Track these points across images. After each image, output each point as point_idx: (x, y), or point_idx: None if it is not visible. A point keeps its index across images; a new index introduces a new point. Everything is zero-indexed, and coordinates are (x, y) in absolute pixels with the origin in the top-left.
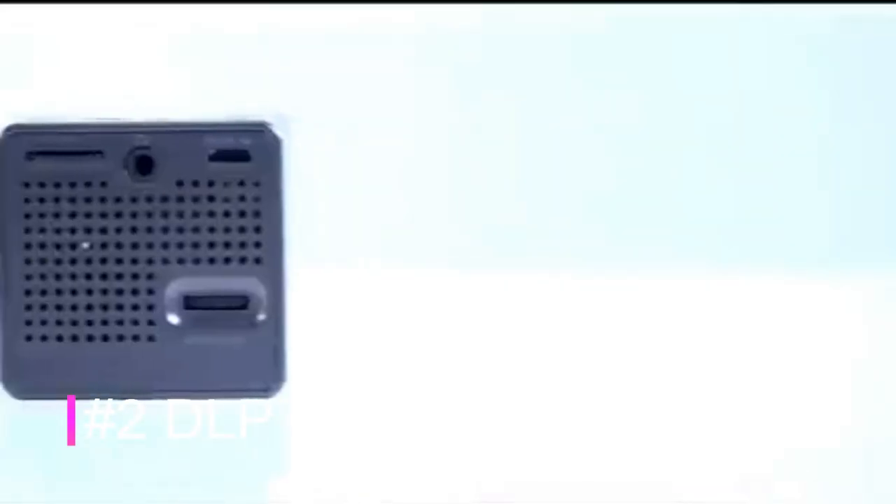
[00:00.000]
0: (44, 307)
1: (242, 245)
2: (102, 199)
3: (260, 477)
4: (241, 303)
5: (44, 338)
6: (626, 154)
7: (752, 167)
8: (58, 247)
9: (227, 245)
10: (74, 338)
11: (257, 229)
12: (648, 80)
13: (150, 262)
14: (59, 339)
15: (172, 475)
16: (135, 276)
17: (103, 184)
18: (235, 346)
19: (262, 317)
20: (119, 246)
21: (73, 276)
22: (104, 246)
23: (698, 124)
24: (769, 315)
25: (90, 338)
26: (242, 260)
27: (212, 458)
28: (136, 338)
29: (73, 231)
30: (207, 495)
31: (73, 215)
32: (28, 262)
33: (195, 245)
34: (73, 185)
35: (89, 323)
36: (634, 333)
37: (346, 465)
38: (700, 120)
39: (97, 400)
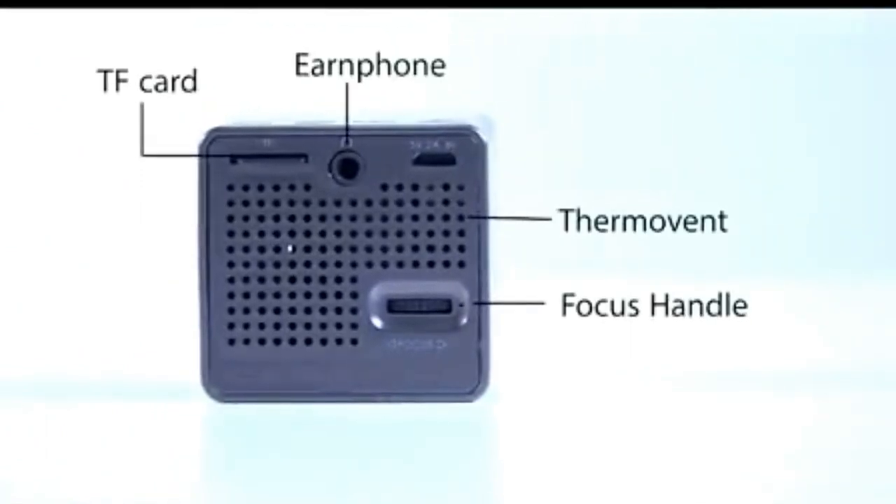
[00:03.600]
0: (247, 310)
1: (446, 249)
2: (306, 203)
3: (463, 481)
4: (444, 306)
5: (246, 341)
6: None
7: None
8: (261, 250)
9: (430, 248)
10: (277, 341)
11: (461, 233)
12: None
13: (353, 265)
14: (262, 342)
15: (372, 480)
16: (338, 280)
17: (307, 187)
18: (438, 349)
19: (465, 320)
20: (322, 249)
21: (277, 280)
22: (307, 249)
23: None
24: None
25: (293, 341)
26: (446, 263)
27: (413, 462)
28: (339, 341)
29: (276, 234)
30: (410, 499)
31: (276, 218)
32: (231, 265)
33: (399, 248)
34: (276, 188)
35: (292, 326)
36: None
37: (551, 470)
38: None
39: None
